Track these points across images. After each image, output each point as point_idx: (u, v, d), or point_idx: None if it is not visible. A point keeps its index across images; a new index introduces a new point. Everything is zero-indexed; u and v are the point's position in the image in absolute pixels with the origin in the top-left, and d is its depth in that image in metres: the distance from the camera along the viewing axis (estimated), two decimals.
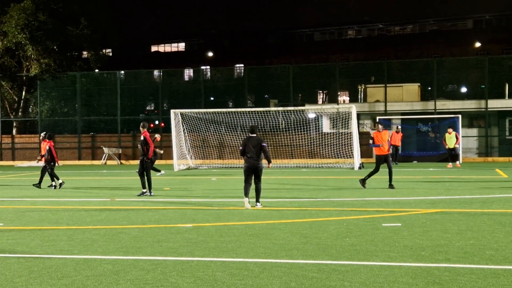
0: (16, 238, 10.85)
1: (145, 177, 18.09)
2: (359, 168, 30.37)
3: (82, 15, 45.31)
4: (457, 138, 31.13)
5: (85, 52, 49.91)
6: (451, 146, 31.00)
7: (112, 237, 10.82)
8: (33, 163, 40.71)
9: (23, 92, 46.46)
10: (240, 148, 15.12)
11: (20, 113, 46.69)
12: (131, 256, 9.20)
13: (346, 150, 33.68)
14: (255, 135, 15.15)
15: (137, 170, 18.41)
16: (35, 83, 44.90)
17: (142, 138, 18.22)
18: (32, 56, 43.98)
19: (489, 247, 9.46)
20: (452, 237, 10.38)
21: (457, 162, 31.46)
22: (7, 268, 8.49)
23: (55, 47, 44.12)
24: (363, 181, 19.73)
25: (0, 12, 43.37)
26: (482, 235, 10.49)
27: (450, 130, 31.37)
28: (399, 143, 33.83)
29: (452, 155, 31.42)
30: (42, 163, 21.73)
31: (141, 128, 18.49)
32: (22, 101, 46.74)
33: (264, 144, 14.91)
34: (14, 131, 46.68)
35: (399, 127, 34.69)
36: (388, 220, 12.35)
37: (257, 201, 14.95)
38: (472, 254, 9.00)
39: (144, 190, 18.15)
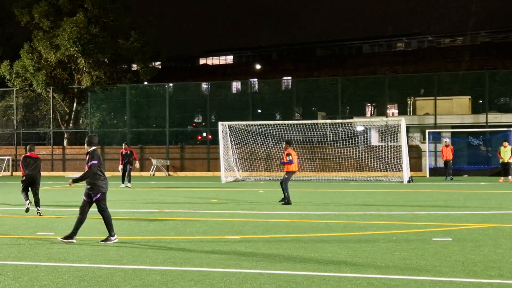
0: (66, 248, 11.00)
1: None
2: (408, 181, 29.98)
3: (132, 29, 46.00)
4: (511, 152, 30.51)
5: (134, 65, 50.59)
6: (506, 160, 30.40)
7: (160, 248, 10.88)
8: None
9: (74, 104, 47.33)
10: (95, 162, 11.58)
11: (71, 125, 47.54)
12: (179, 267, 9.22)
13: (395, 163, 33.31)
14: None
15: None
16: (86, 95, 45.71)
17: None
18: (84, 69, 44.81)
19: None
20: (506, 252, 10.13)
21: (510, 177, 30.78)
22: (58, 277, 8.60)
23: (105, 60, 44.88)
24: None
25: (53, 26, 44.36)
26: None
27: (505, 143, 30.79)
28: (450, 157, 32.29)
29: (505, 169, 30.81)
30: None
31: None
32: (73, 112, 47.59)
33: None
34: (65, 142, 47.53)
35: (447, 140, 33.49)
36: (439, 235, 12.13)
37: (112, 234, 11.66)
38: None
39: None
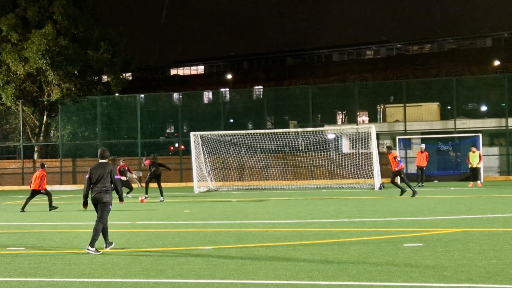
0: (37, 262, 10.92)
1: None
2: (380, 188, 30.20)
3: (102, 40, 45.79)
4: (480, 157, 30.84)
5: (105, 76, 50.34)
6: (474, 165, 30.74)
7: (133, 260, 10.85)
8: (55, 187, 40.99)
9: (44, 117, 46.93)
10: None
11: (41, 138, 47.12)
12: (152, 279, 9.21)
13: (366, 170, 33.55)
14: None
15: None
16: (56, 108, 45.35)
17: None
18: (53, 81, 44.47)
19: None
20: (474, 256, 10.29)
21: (479, 182, 31.17)
22: None
23: (75, 72, 44.58)
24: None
25: (21, 38, 43.98)
26: (504, 254, 10.39)
27: (474, 149, 31.11)
28: (423, 163, 31.92)
29: (474, 174, 31.15)
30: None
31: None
32: (43, 125, 47.18)
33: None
34: (35, 155, 47.09)
35: (423, 146, 33.23)
36: (409, 240, 12.27)
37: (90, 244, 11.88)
38: (495, 273, 8.91)
39: None
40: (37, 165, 45.27)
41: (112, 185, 12.26)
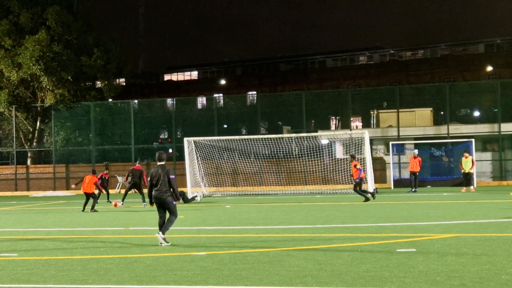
0: (30, 269, 10.89)
1: None
2: (373, 193, 30.20)
3: (96, 46, 45.78)
4: (472, 162, 30.95)
5: (98, 82, 50.33)
6: (467, 170, 30.84)
7: (126, 266, 10.83)
8: (48, 193, 40.85)
9: (38, 123, 46.87)
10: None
11: (34, 144, 47.02)
12: (145, 285, 9.20)
13: None
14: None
15: None
16: (50, 114, 45.31)
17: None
18: (47, 87, 44.43)
19: (504, 272, 9.39)
20: (467, 262, 10.31)
21: (472, 187, 31.25)
22: None
23: (69, 78, 44.54)
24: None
25: (15, 44, 43.93)
26: (497, 260, 10.42)
27: (466, 154, 31.22)
28: (416, 169, 32.01)
29: (467, 179, 31.24)
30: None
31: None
32: (36, 131, 47.12)
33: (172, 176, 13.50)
34: (28, 161, 46.99)
35: (416, 151, 33.35)
36: (403, 246, 12.29)
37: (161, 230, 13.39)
38: (487, 279, 8.93)
39: None
40: (30, 170, 45.18)
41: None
